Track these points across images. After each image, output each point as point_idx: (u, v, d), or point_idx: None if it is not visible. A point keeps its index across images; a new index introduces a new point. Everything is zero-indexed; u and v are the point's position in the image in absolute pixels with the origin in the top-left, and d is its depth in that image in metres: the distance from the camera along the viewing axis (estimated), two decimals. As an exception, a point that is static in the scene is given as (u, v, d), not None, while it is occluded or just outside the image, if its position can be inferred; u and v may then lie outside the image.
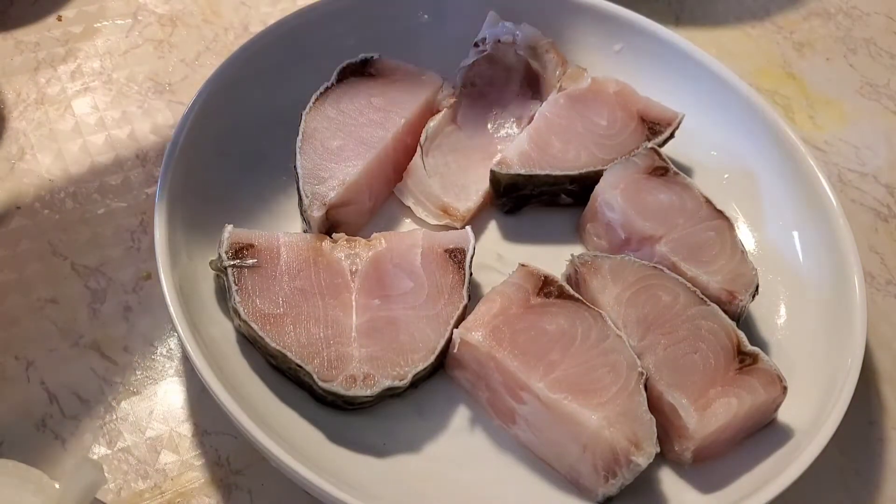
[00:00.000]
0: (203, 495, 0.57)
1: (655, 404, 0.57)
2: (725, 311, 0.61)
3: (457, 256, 0.63)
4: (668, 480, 0.58)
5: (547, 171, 0.68)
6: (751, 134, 0.74)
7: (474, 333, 0.58)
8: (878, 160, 0.83)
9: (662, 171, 0.68)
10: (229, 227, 0.61)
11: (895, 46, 0.93)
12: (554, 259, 0.69)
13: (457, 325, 0.59)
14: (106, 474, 0.51)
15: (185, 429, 0.59)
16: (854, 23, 0.95)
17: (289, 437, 0.55)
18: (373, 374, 0.57)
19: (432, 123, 0.70)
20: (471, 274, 0.62)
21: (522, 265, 0.62)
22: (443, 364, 0.61)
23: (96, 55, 0.79)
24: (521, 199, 0.71)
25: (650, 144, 0.70)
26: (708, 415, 0.56)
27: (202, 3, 0.84)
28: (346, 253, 0.62)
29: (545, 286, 0.60)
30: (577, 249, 0.70)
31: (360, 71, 0.70)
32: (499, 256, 0.69)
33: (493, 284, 0.62)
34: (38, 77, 0.76)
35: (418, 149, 0.70)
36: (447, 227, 0.68)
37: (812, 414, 0.59)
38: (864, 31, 0.94)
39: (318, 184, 0.64)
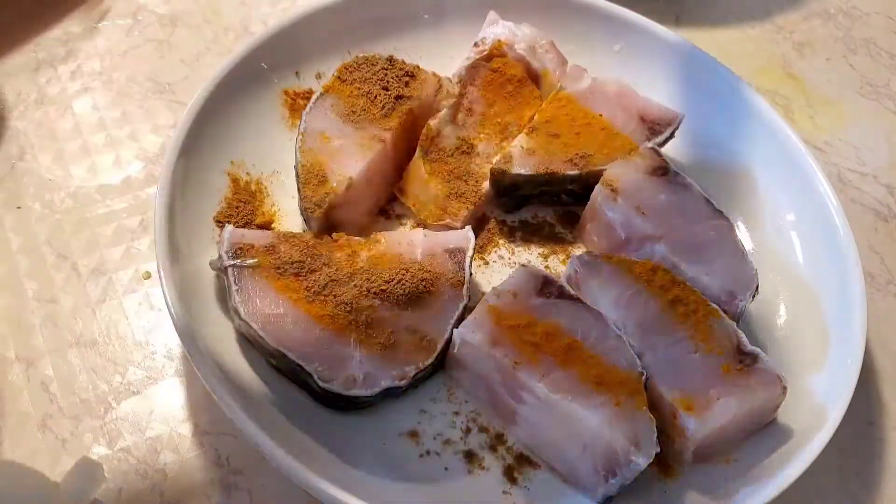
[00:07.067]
0: (203, 495, 0.57)
1: (655, 404, 0.57)
2: (725, 311, 0.61)
3: (457, 256, 0.63)
4: (668, 480, 0.58)
5: (547, 171, 0.68)
6: (751, 134, 0.74)
7: (474, 333, 0.58)
8: (878, 160, 0.83)
9: (662, 171, 0.68)
10: (229, 227, 0.61)
11: (895, 46, 0.93)
12: (554, 259, 0.69)
13: (457, 325, 0.59)
14: (106, 474, 0.51)
15: (185, 429, 0.59)
16: (854, 23, 0.95)
17: (289, 437, 0.55)
18: (373, 374, 0.57)
19: (432, 123, 0.70)
20: (471, 274, 0.62)
21: (522, 265, 0.62)
22: (443, 364, 0.61)
23: (96, 55, 0.79)
24: (521, 199, 0.71)
25: (650, 144, 0.70)
26: (708, 415, 0.56)
27: (202, 3, 0.84)
28: (347, 253, 0.62)
29: (545, 286, 0.60)
30: (577, 249, 0.70)
31: (360, 71, 0.70)
32: (499, 256, 0.69)
33: (493, 284, 0.62)
34: (38, 77, 0.76)
35: (418, 149, 0.70)
36: (447, 227, 0.68)
37: (812, 414, 0.59)
38: (864, 31, 0.94)
39: (318, 184, 0.64)
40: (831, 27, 0.94)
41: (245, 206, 0.66)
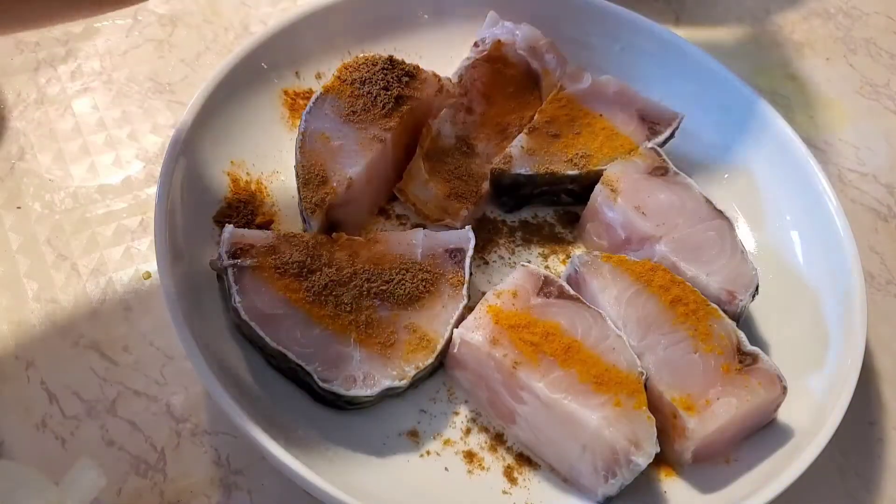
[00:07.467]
0: (203, 495, 0.57)
1: (655, 404, 0.57)
2: (725, 311, 0.61)
3: (457, 256, 0.63)
4: (668, 480, 0.58)
5: (547, 171, 0.68)
6: (751, 134, 0.74)
7: (474, 333, 0.58)
8: (878, 160, 0.83)
9: (662, 171, 0.68)
10: (229, 227, 0.61)
11: (895, 46, 0.93)
12: (554, 259, 0.69)
13: (457, 325, 0.59)
14: (105, 474, 0.51)
15: (185, 429, 0.59)
16: (854, 23, 0.95)
17: (289, 437, 0.55)
18: (373, 374, 0.57)
19: (432, 123, 0.70)
20: (471, 274, 0.62)
21: (522, 265, 0.62)
22: (443, 364, 0.61)
23: (96, 55, 0.79)
24: (521, 198, 0.71)
25: (650, 144, 0.70)
26: (708, 415, 0.56)
27: (202, 3, 0.84)
28: (347, 252, 0.62)
29: (545, 286, 0.60)
30: (577, 249, 0.70)
31: (360, 71, 0.70)
32: (499, 256, 0.69)
33: (493, 284, 0.62)
34: (38, 77, 0.76)
35: (418, 149, 0.70)
36: (447, 227, 0.68)
37: (812, 414, 0.59)
38: (864, 31, 0.94)
39: (318, 183, 0.64)
40: (831, 27, 0.94)
41: (245, 206, 0.66)
